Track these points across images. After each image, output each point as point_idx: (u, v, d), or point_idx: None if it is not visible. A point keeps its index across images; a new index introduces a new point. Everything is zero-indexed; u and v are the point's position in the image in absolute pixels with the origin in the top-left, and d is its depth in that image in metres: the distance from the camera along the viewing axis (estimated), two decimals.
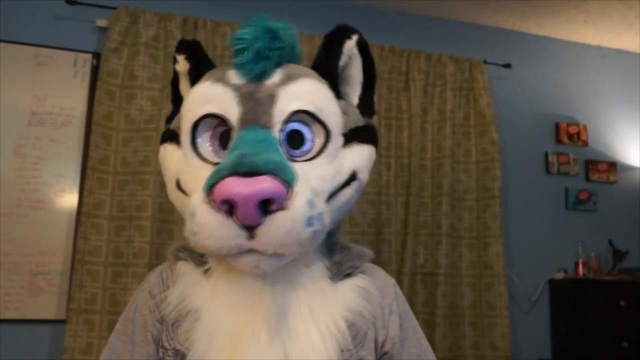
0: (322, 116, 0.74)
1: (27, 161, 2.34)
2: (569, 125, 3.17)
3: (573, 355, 2.77)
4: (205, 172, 0.69)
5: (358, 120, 0.81)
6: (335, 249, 0.82)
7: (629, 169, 3.26)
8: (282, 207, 0.63)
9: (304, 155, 0.74)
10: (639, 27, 3.11)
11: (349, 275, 0.78)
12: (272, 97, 0.73)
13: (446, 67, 2.88)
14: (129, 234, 2.31)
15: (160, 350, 0.77)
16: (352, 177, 0.78)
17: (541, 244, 2.99)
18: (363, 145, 0.80)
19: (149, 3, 2.50)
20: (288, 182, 0.64)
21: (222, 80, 0.76)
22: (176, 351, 0.74)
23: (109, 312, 2.24)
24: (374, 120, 0.88)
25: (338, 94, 0.80)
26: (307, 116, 0.74)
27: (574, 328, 2.78)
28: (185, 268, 0.79)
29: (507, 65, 3.04)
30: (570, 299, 2.84)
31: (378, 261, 0.89)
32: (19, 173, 2.33)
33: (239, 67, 0.74)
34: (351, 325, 0.74)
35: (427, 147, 2.79)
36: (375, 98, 0.89)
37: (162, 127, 2.46)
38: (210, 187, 0.64)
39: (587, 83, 3.28)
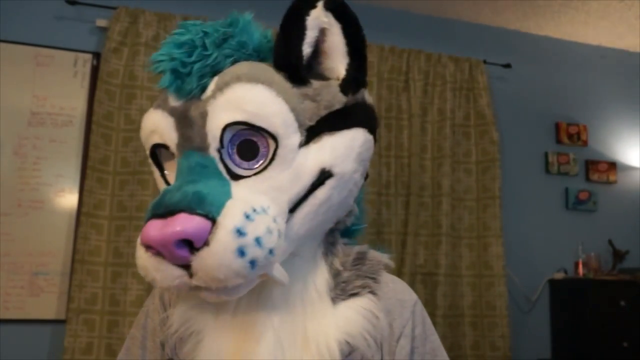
0: (259, 122, 0.65)
1: (27, 161, 2.34)
2: (569, 125, 3.17)
3: (573, 355, 2.77)
4: None
5: (333, 103, 0.71)
6: (348, 260, 0.76)
7: (628, 169, 3.26)
8: (205, 243, 0.59)
9: (256, 166, 0.67)
10: (639, 27, 3.11)
11: (354, 294, 0.73)
12: (203, 115, 0.67)
13: (446, 67, 2.88)
14: (129, 234, 2.31)
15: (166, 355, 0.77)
16: (324, 175, 0.69)
17: (541, 244, 2.99)
18: (337, 133, 0.70)
19: (149, 3, 2.50)
20: (208, 215, 0.60)
21: (162, 105, 0.72)
22: None
23: (109, 312, 2.24)
24: (365, 94, 0.76)
25: (302, 79, 0.70)
26: (245, 126, 0.66)
27: (574, 328, 2.78)
28: None
29: (507, 65, 3.04)
30: (570, 299, 2.84)
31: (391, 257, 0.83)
32: (19, 173, 2.33)
33: (167, 89, 0.70)
34: (353, 352, 0.71)
35: (427, 147, 2.79)
36: (375, 95, 0.84)
37: None
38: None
39: (587, 83, 3.28)
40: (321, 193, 0.69)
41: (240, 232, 0.60)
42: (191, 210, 0.59)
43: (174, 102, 0.70)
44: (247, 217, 0.61)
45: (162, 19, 2.49)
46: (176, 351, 0.74)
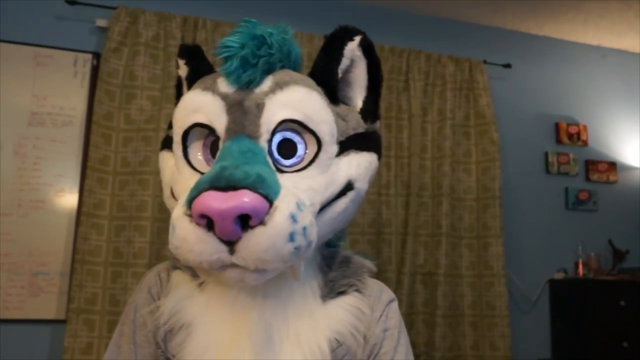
0: (311, 125, 0.71)
1: (27, 161, 2.34)
2: (569, 125, 3.17)
3: (573, 355, 2.77)
4: (194, 181, 0.67)
5: (358, 126, 0.78)
6: (334, 262, 0.81)
7: (628, 169, 3.26)
8: (261, 223, 0.61)
9: (295, 165, 0.71)
10: (639, 27, 3.11)
11: (342, 292, 0.77)
12: (260, 106, 0.70)
13: (446, 67, 2.88)
14: (129, 234, 2.31)
15: (159, 350, 0.78)
16: (348, 187, 0.75)
17: (541, 244, 2.99)
18: (361, 152, 0.77)
19: (148, 3, 2.50)
20: (268, 197, 0.62)
21: (210, 88, 0.74)
22: (166, 357, 0.76)
23: (109, 312, 2.24)
24: (378, 125, 0.85)
25: (336, 99, 0.78)
26: (296, 125, 0.71)
27: (574, 328, 2.78)
28: (180, 278, 0.78)
29: (507, 65, 3.04)
30: (570, 299, 2.84)
31: (378, 261, 0.88)
32: (19, 173, 2.33)
33: (227, 75, 0.72)
34: (340, 346, 0.74)
35: (427, 147, 2.79)
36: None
37: (163, 127, 2.46)
38: (190, 201, 0.63)
39: (587, 83, 3.28)
40: (342, 202, 0.75)
41: (294, 219, 0.63)
42: (254, 189, 0.61)
43: (225, 88, 0.73)
44: (299, 206, 0.64)
45: (162, 19, 2.49)
46: (166, 343, 0.75)
